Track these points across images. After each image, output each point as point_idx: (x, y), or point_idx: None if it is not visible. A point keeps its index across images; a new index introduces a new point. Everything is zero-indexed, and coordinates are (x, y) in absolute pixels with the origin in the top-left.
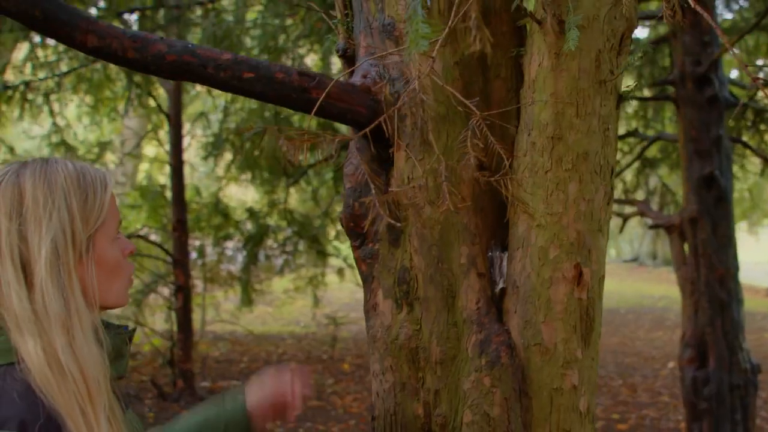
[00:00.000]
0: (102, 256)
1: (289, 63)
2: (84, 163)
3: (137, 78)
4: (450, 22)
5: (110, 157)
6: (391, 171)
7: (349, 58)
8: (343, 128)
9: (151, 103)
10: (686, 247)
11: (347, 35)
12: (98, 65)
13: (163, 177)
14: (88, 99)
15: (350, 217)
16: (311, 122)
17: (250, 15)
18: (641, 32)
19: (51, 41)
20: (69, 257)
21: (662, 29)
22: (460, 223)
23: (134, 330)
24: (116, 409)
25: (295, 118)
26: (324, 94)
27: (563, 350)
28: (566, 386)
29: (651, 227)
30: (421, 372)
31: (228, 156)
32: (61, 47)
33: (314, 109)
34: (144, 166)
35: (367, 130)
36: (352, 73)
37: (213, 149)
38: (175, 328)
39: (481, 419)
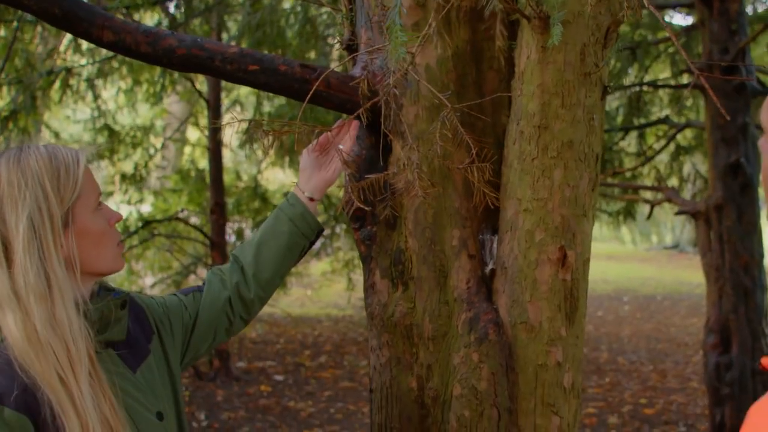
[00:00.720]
0: (84, 227)
1: (319, 51)
2: (56, 145)
3: None
4: (425, 30)
5: (152, 141)
6: (389, 158)
7: (352, 50)
8: None
9: (191, 88)
10: (711, 234)
11: (351, 28)
12: None
13: (205, 161)
14: (127, 83)
15: (350, 201)
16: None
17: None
18: (680, 19)
19: None
20: (47, 232)
21: (695, 16)
22: (452, 207)
23: (126, 294)
24: (103, 376)
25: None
26: (324, 85)
27: (548, 328)
28: (551, 362)
29: (677, 214)
30: (414, 347)
31: (264, 142)
32: None
33: (308, 98)
34: (188, 150)
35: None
36: (354, 64)
37: (248, 136)
38: None
39: (470, 392)
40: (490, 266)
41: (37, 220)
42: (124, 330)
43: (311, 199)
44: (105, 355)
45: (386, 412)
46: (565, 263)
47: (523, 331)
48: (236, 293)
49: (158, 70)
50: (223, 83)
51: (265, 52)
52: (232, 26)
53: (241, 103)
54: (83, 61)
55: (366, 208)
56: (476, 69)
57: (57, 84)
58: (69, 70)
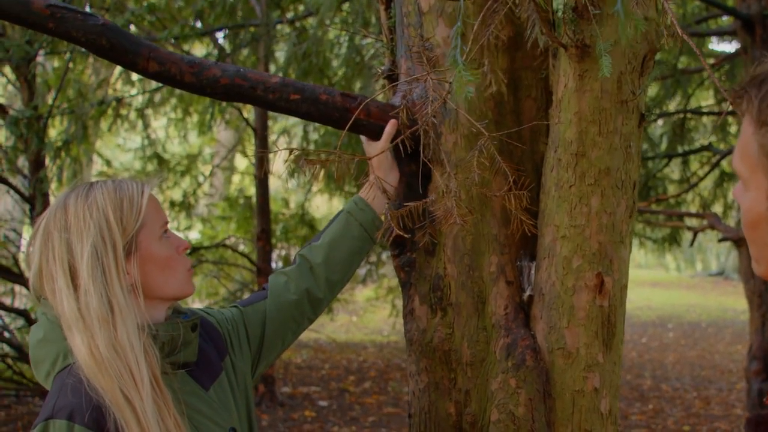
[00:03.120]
0: (150, 254)
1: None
2: (124, 179)
3: None
4: (465, 56)
5: (201, 169)
6: (429, 185)
7: (392, 80)
8: None
9: (238, 116)
10: None
11: (392, 58)
12: None
13: (253, 189)
14: (177, 113)
15: (390, 228)
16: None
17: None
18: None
19: None
20: (109, 259)
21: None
22: (490, 234)
23: (197, 317)
24: (168, 396)
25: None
26: (365, 114)
27: (585, 354)
28: (588, 388)
29: (720, 240)
30: (453, 373)
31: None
32: None
33: (347, 126)
34: (236, 178)
35: (392, 144)
36: (394, 93)
37: (296, 166)
38: None
39: (507, 418)
40: (528, 292)
41: (101, 248)
42: (195, 351)
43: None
44: (173, 376)
45: None
46: (602, 289)
47: (560, 357)
48: (306, 296)
49: (207, 99)
50: (271, 112)
51: (311, 81)
52: (280, 57)
53: (288, 132)
54: (134, 91)
55: (405, 235)
56: (514, 97)
57: (108, 113)
58: (120, 100)
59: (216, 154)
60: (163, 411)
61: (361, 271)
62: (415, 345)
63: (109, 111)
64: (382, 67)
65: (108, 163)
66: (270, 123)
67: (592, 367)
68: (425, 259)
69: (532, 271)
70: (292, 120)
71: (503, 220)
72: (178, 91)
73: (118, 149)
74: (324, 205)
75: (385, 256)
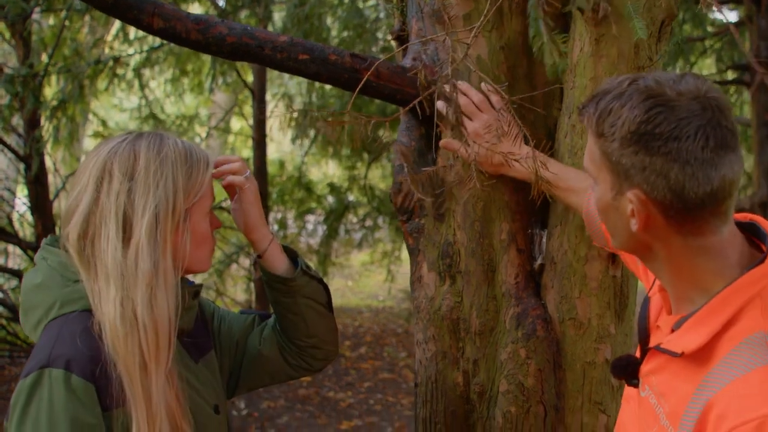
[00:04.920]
0: (194, 228)
1: (366, 44)
2: (192, 143)
3: None
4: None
5: (197, 131)
6: (438, 150)
7: (402, 41)
8: None
9: (236, 78)
10: None
11: (401, 19)
12: None
13: (248, 151)
14: (172, 73)
15: (398, 193)
16: (382, 104)
17: None
18: (728, 15)
19: None
20: (168, 224)
21: (742, 12)
22: (502, 200)
23: (200, 286)
24: (174, 367)
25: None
26: (374, 75)
27: (597, 325)
28: (599, 360)
29: None
30: (461, 342)
31: (311, 133)
32: None
33: (358, 88)
34: (230, 140)
35: (407, 108)
36: (404, 54)
37: (300, 130)
38: (254, 298)
39: (516, 389)
40: (539, 261)
41: (163, 211)
42: (193, 319)
43: (260, 256)
44: None
45: (431, 406)
46: (615, 259)
47: (571, 327)
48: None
49: (207, 60)
50: (269, 74)
51: None
52: (279, 19)
53: (290, 96)
54: (131, 51)
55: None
56: (527, 61)
57: (105, 73)
58: (117, 60)
59: (212, 115)
60: (168, 383)
61: (357, 236)
62: (422, 313)
63: (106, 70)
64: (393, 28)
65: (104, 123)
66: (267, 85)
67: (604, 339)
68: (434, 225)
69: (544, 239)
70: (292, 81)
71: (515, 186)
72: (175, 50)
73: (114, 109)
74: (320, 170)
75: (381, 220)
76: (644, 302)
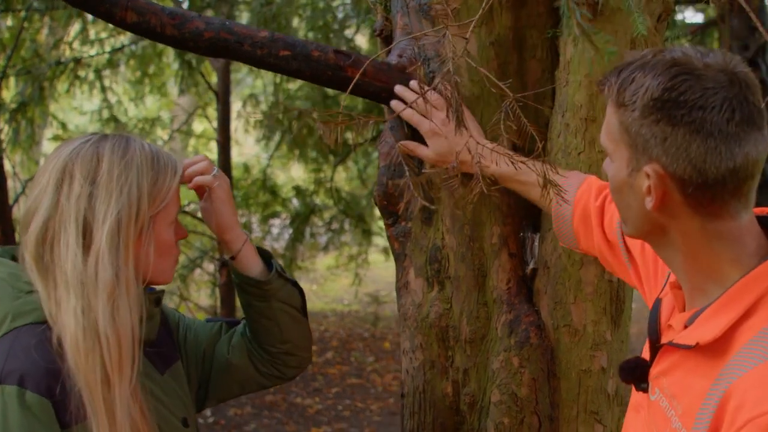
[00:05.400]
0: (158, 237)
1: (338, 44)
2: (159, 147)
3: (189, 56)
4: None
5: (159, 133)
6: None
7: (386, 38)
8: None
9: (200, 80)
10: None
11: (385, 15)
12: (147, 41)
13: (210, 153)
14: (134, 75)
15: (384, 195)
16: (351, 103)
17: None
18: (693, 16)
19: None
20: (130, 232)
21: (711, 13)
22: (492, 203)
23: (162, 292)
24: (140, 380)
25: (342, 97)
26: (359, 73)
27: (593, 332)
28: (595, 368)
29: None
30: (450, 351)
31: (276, 135)
32: (112, 26)
33: (350, 88)
34: (192, 142)
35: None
36: (389, 52)
37: (266, 132)
38: (218, 303)
39: (509, 399)
40: (531, 265)
41: (125, 218)
42: (156, 328)
43: (233, 258)
44: None
45: (419, 418)
46: None
47: (566, 334)
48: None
49: (170, 62)
50: (234, 75)
51: None
52: (244, 19)
53: (256, 96)
54: (92, 52)
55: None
56: (518, 57)
57: (65, 75)
58: (78, 61)
59: (175, 118)
60: (133, 396)
61: (322, 239)
62: (409, 320)
63: (67, 72)
64: (375, 24)
65: (63, 126)
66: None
67: (600, 346)
68: (421, 228)
69: (536, 243)
70: (259, 81)
71: (506, 188)
72: (137, 52)
73: (74, 112)
74: (284, 173)
75: (347, 223)
76: (655, 303)
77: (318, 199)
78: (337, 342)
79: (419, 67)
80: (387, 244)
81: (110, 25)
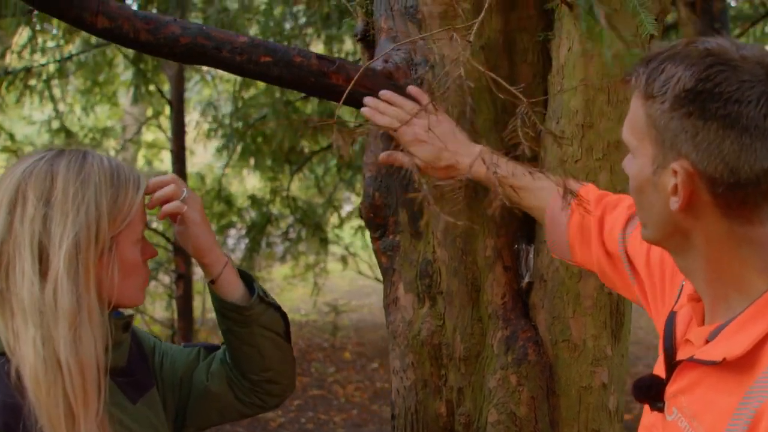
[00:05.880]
0: (122, 257)
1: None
2: (120, 162)
3: (144, 64)
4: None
5: (111, 143)
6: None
7: (368, 43)
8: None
9: (153, 89)
10: None
11: (365, 18)
12: (96, 51)
13: (160, 163)
14: (83, 83)
15: (370, 207)
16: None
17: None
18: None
19: (52, 28)
20: (90, 254)
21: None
22: (485, 214)
23: (130, 315)
24: (109, 412)
25: (299, 104)
26: (344, 79)
27: (592, 347)
28: (596, 384)
29: None
30: (443, 369)
31: (236, 145)
32: (62, 33)
33: (342, 96)
34: (142, 152)
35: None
36: (370, 57)
37: (226, 141)
38: (175, 316)
39: (507, 418)
40: (527, 279)
41: (84, 241)
42: (125, 355)
43: (212, 282)
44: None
45: None
46: None
47: (565, 350)
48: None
49: (117, 69)
50: (188, 83)
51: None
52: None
53: (214, 105)
54: (43, 60)
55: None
56: (509, 61)
57: (15, 84)
58: (29, 70)
59: (126, 128)
60: (100, 430)
61: (279, 249)
62: (399, 338)
63: (17, 82)
64: (355, 28)
65: (11, 137)
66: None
67: (600, 361)
68: (411, 242)
69: (531, 255)
70: (212, 89)
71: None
72: (88, 61)
73: (22, 122)
74: (240, 183)
75: (304, 232)
76: (669, 317)
77: (274, 209)
78: (296, 353)
79: (427, 72)
80: (344, 252)
81: (59, 34)
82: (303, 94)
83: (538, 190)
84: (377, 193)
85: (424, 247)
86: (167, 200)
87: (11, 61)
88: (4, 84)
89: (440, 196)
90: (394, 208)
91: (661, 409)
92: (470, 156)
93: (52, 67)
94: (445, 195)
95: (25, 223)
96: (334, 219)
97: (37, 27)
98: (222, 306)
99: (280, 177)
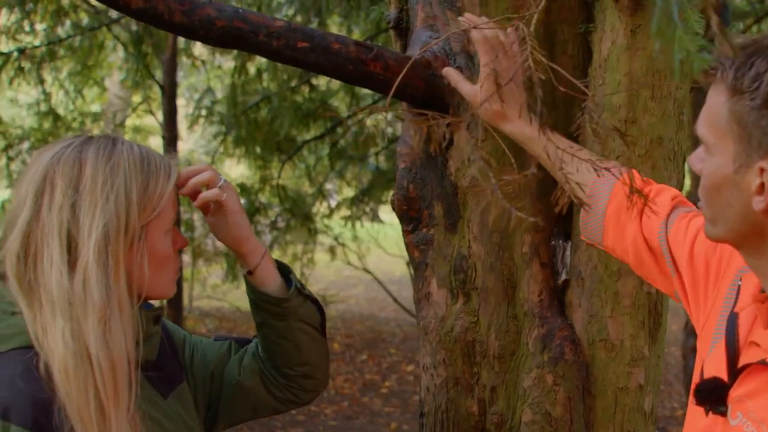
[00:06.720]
0: (153, 247)
1: None
2: (151, 149)
3: (144, 47)
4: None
5: (99, 128)
6: (449, 151)
7: (401, 30)
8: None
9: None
10: None
11: (399, 5)
12: (87, 33)
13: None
14: (73, 67)
15: (404, 199)
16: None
17: None
18: None
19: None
20: (119, 244)
21: None
22: (524, 208)
23: (160, 308)
24: (141, 406)
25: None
26: (382, 67)
27: (630, 347)
28: (632, 385)
29: None
30: (476, 367)
31: (218, 129)
32: (50, 15)
33: (380, 85)
34: (128, 137)
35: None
36: (404, 45)
37: (223, 129)
38: (164, 303)
39: (543, 419)
40: (563, 276)
41: (113, 230)
42: (156, 348)
43: (250, 272)
44: None
45: None
46: None
47: (602, 349)
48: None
49: (107, 55)
50: (181, 67)
51: None
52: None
53: (212, 90)
54: (37, 42)
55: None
56: (549, 53)
57: (10, 65)
58: (23, 51)
59: (117, 112)
60: (131, 426)
61: (266, 237)
62: (431, 334)
63: (11, 63)
64: (388, 16)
65: None
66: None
67: (638, 362)
68: (445, 236)
69: (567, 252)
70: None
71: (539, 192)
72: (75, 44)
73: (10, 104)
74: (233, 169)
75: (294, 221)
76: (730, 318)
77: (263, 197)
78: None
79: (445, 60)
80: (333, 242)
81: (49, 15)
82: (305, 80)
83: (584, 170)
84: (411, 185)
85: (459, 242)
86: (203, 185)
87: (0, 43)
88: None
89: (509, 191)
90: (429, 200)
91: (723, 413)
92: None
93: (42, 50)
94: (511, 190)
95: (53, 212)
96: (322, 209)
97: (27, 8)
98: (258, 297)
99: (269, 165)
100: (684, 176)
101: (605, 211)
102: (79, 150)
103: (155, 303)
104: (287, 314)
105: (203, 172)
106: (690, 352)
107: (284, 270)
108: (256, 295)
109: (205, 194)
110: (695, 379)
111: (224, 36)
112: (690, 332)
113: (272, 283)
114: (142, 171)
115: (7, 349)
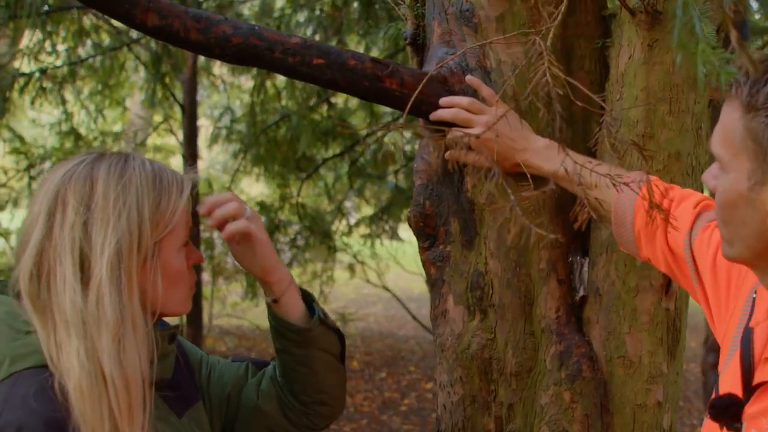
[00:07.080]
0: (166, 264)
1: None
2: (163, 165)
3: (163, 67)
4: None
5: (120, 147)
6: (466, 167)
7: (417, 46)
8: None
9: (167, 93)
10: None
11: (415, 21)
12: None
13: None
14: (94, 87)
15: (420, 216)
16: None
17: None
18: None
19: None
20: (132, 262)
21: None
22: (541, 225)
23: (176, 326)
24: (155, 426)
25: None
26: (398, 83)
27: (648, 363)
28: (650, 402)
29: None
30: (493, 384)
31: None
32: (72, 36)
33: (396, 101)
34: (149, 157)
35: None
36: (422, 61)
37: (242, 147)
38: (184, 321)
39: None
40: (581, 292)
41: (126, 247)
42: (171, 367)
43: (275, 301)
44: None
45: None
46: (669, 290)
47: (620, 366)
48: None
49: (128, 75)
50: (203, 87)
51: None
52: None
53: (231, 109)
54: (58, 62)
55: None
56: (566, 68)
57: (31, 86)
58: (44, 72)
59: (138, 131)
60: None
61: (286, 255)
62: (447, 352)
63: (33, 83)
64: (404, 32)
65: (21, 139)
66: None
67: (656, 378)
68: (462, 252)
69: (585, 268)
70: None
71: (556, 208)
72: (96, 64)
73: (30, 124)
74: (252, 187)
75: (313, 239)
76: (745, 333)
77: (283, 215)
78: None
79: (461, 76)
80: (352, 260)
81: (71, 35)
82: (324, 98)
83: (603, 186)
84: (428, 201)
85: (475, 258)
86: (230, 218)
87: (22, 63)
88: (17, 86)
89: (527, 207)
90: (445, 217)
91: (738, 429)
92: (538, 152)
93: (63, 70)
94: (529, 206)
95: (66, 230)
96: (341, 226)
97: (48, 28)
98: (281, 325)
99: (289, 183)
100: (702, 191)
101: (633, 224)
102: (91, 167)
103: (174, 321)
104: (308, 344)
105: (228, 203)
106: (710, 368)
107: (308, 298)
108: (278, 323)
109: (232, 226)
110: (714, 394)
111: (240, 53)
112: (709, 348)
113: (296, 312)
114: (154, 187)
115: (22, 368)
